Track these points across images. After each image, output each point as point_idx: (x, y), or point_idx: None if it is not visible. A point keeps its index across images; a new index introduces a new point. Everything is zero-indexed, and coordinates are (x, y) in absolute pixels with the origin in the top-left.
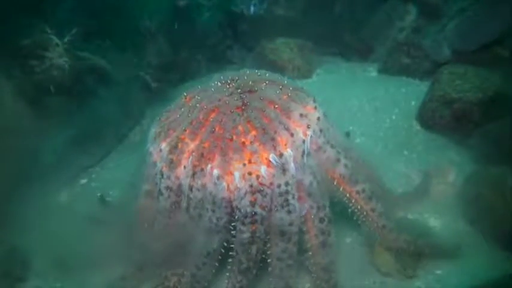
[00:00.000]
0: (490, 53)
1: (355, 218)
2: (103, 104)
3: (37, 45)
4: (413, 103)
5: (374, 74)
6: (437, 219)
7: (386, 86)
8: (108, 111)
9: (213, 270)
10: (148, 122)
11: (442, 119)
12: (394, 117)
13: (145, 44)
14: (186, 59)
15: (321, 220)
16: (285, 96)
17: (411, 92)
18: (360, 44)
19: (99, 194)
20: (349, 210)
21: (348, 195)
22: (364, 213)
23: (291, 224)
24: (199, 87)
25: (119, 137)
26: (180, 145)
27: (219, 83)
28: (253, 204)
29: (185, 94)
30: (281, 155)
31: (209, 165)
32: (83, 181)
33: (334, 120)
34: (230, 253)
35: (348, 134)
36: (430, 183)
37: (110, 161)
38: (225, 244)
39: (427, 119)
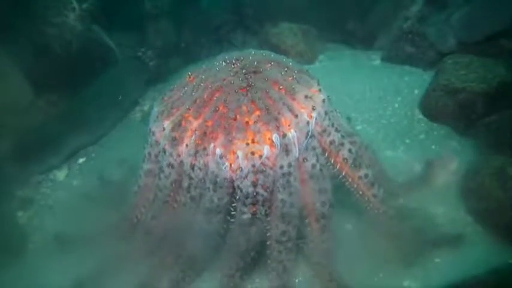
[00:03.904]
0: (494, 44)
1: (356, 204)
2: (104, 82)
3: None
4: (416, 92)
5: (377, 62)
6: (438, 208)
7: (389, 75)
8: (109, 89)
9: (211, 251)
10: (148, 103)
11: (446, 109)
12: (396, 105)
13: (148, 25)
14: (189, 42)
15: (323, 204)
16: (290, 78)
17: (414, 81)
18: (364, 32)
19: (98, 173)
20: (351, 195)
21: (350, 179)
22: (366, 198)
23: (291, 206)
24: (203, 66)
25: (118, 116)
26: (183, 123)
27: (223, 63)
28: (255, 184)
29: (189, 73)
30: (284, 136)
31: (212, 144)
32: (82, 159)
33: (337, 106)
34: (229, 234)
35: (348, 120)
36: (431, 172)
37: (109, 140)
38: (224, 225)
39: (430, 108)
